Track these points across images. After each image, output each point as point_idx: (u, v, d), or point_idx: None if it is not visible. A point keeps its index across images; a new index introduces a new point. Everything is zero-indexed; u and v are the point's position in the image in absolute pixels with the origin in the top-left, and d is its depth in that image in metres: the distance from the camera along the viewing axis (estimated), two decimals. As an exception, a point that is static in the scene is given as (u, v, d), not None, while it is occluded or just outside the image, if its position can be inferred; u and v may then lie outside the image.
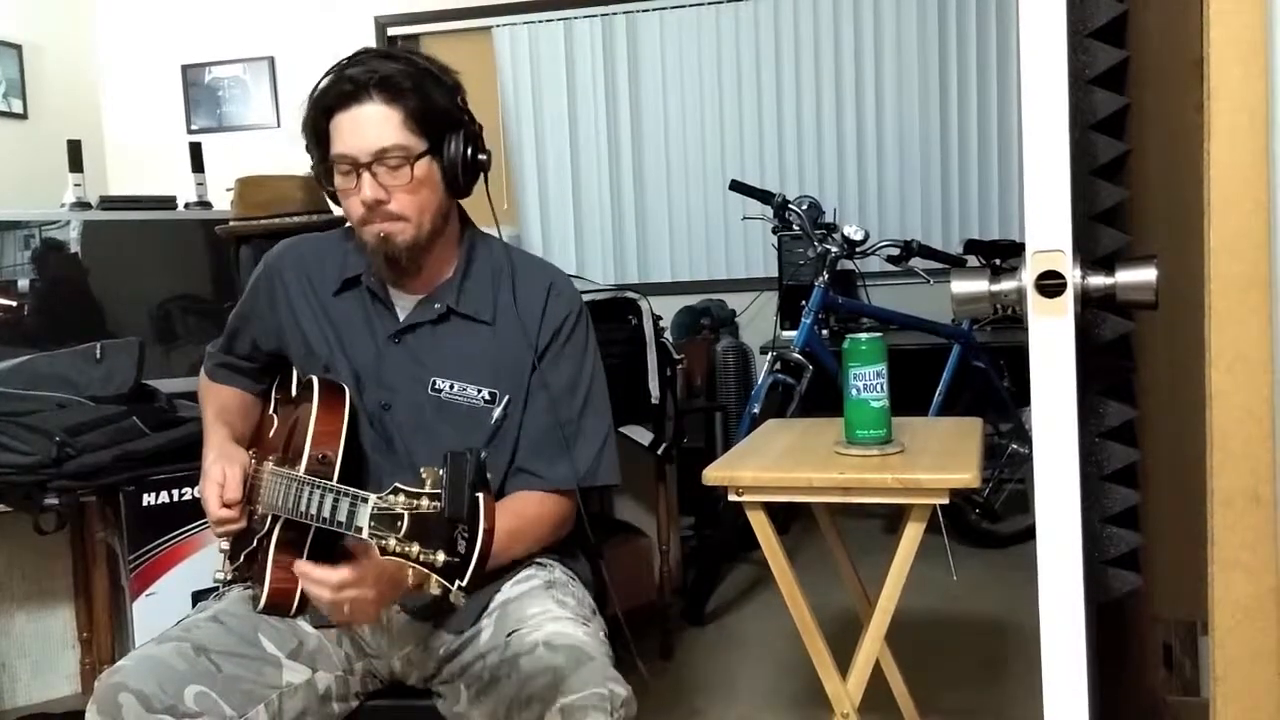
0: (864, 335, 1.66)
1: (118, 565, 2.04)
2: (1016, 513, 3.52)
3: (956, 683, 2.46)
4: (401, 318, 1.48)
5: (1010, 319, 3.54)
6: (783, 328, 3.55)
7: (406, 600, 1.38)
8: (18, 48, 4.40)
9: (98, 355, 2.19)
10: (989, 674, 2.53)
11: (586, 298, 2.56)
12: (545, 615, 1.34)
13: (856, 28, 4.38)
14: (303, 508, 1.24)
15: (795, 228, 3.16)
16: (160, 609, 1.96)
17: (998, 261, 3.60)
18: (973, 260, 3.63)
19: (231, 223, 2.60)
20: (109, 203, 2.86)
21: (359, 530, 1.10)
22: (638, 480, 2.87)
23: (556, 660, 1.25)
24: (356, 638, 1.45)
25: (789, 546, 1.67)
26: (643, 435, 2.60)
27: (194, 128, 4.83)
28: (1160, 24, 1.11)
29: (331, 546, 1.29)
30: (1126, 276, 0.95)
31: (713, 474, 1.63)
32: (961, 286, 1.01)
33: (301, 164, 1.56)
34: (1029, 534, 3.29)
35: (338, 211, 1.97)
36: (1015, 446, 3.45)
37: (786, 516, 3.26)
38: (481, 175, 1.46)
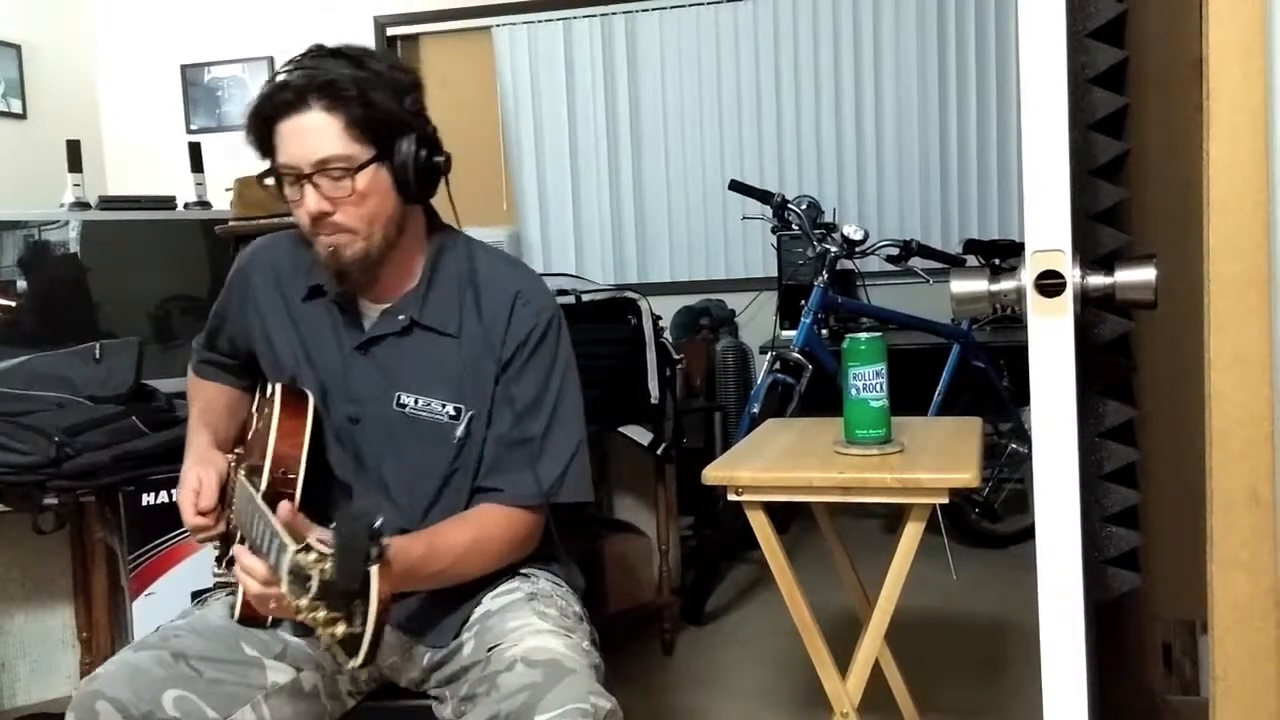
0: (863, 335, 1.66)
1: (117, 565, 2.04)
2: (1016, 512, 3.52)
3: (956, 682, 2.47)
4: (367, 328, 1.43)
5: (1009, 318, 3.55)
6: (782, 327, 3.55)
7: None
8: (17, 48, 4.40)
9: (97, 355, 2.19)
10: (988, 673, 2.53)
11: (586, 298, 2.58)
12: (525, 629, 1.31)
13: (856, 27, 4.38)
14: (253, 534, 1.23)
15: (794, 227, 3.16)
16: (160, 609, 1.96)
17: (997, 261, 3.60)
18: (972, 260, 3.64)
19: (231, 222, 2.60)
20: (108, 203, 2.85)
21: (280, 580, 1.07)
22: (637, 480, 2.87)
23: (534, 676, 1.21)
24: (327, 648, 1.44)
25: (788, 546, 1.67)
26: (642, 435, 2.60)
27: (193, 128, 4.83)
28: (1160, 24, 1.11)
29: None
30: (1126, 276, 0.96)
31: (712, 474, 1.63)
32: (961, 286, 1.01)
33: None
34: (1028, 533, 3.30)
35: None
36: (1015, 446, 3.45)
37: (786, 516, 3.26)
38: (442, 178, 1.39)
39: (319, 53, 1.34)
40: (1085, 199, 1.08)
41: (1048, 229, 0.92)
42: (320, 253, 1.36)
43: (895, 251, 3.16)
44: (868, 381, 1.63)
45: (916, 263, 3.16)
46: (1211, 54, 0.92)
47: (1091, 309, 1.05)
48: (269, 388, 1.48)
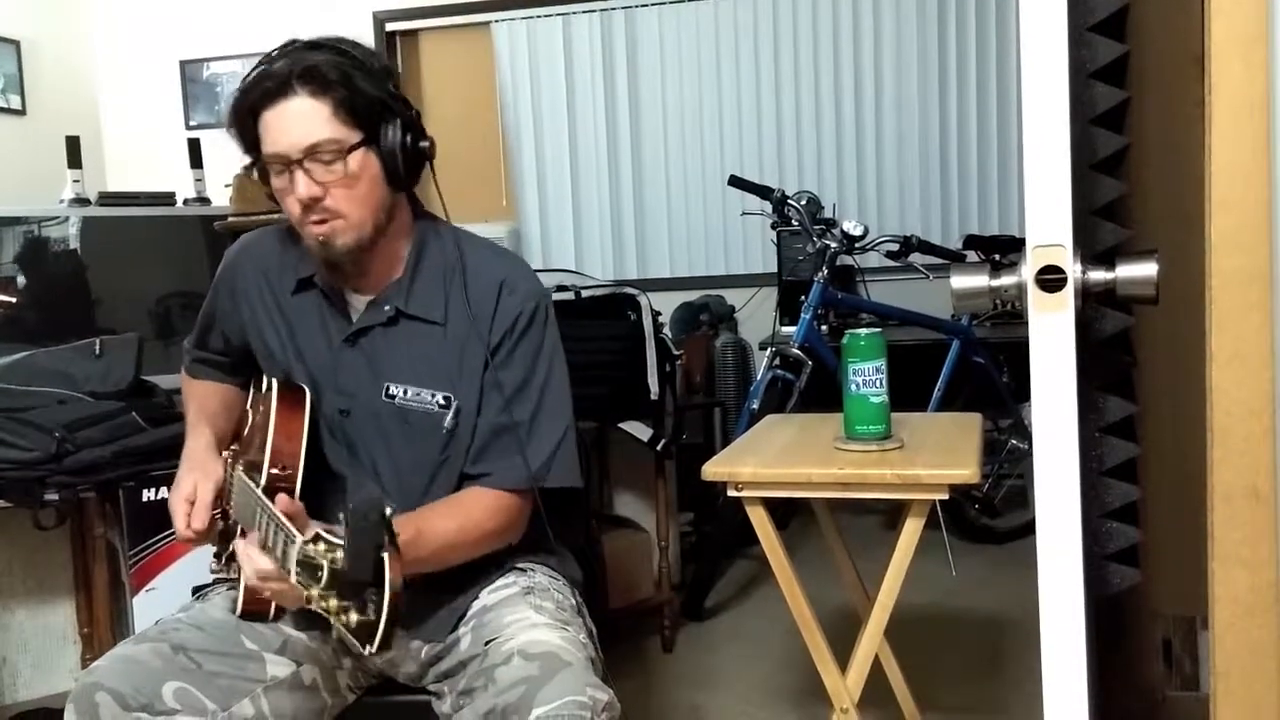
0: (863, 331, 1.66)
1: (118, 561, 2.04)
2: (1016, 508, 3.52)
3: (956, 678, 2.47)
4: (354, 320, 1.43)
5: (1010, 314, 3.55)
6: (782, 323, 3.55)
7: None
8: (16, 43, 4.40)
9: (97, 351, 2.19)
10: (988, 669, 2.53)
11: (585, 293, 2.58)
12: (522, 622, 1.31)
13: (856, 22, 4.37)
14: (254, 528, 1.23)
15: (794, 223, 3.16)
16: (160, 604, 1.96)
17: (997, 257, 3.59)
18: (972, 255, 3.63)
19: (230, 219, 2.60)
20: (108, 199, 2.85)
21: (288, 572, 1.08)
22: (637, 476, 2.87)
23: (531, 670, 1.21)
24: (339, 637, 1.44)
25: (788, 542, 1.66)
26: (642, 431, 2.60)
27: (192, 124, 4.82)
28: (1161, 18, 1.11)
29: None
30: (1127, 271, 0.95)
31: (712, 469, 1.63)
32: (961, 282, 1.01)
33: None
34: (1028, 529, 3.30)
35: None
36: (1015, 442, 3.45)
37: (785, 512, 3.25)
38: (427, 164, 1.39)
39: (295, 45, 1.35)
40: (1086, 194, 1.08)
41: (1048, 224, 0.91)
42: (311, 243, 1.36)
43: (895, 247, 3.15)
44: (867, 377, 1.63)
45: (916, 258, 3.16)
46: (1213, 48, 0.92)
47: (1092, 304, 1.05)
48: (264, 383, 1.48)
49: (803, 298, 3.07)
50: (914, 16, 4.33)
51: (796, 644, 1.73)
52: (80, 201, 2.79)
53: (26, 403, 2.01)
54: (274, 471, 1.32)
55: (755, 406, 2.90)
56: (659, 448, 2.63)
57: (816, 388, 2.92)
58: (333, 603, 1.00)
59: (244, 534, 1.35)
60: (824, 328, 3.28)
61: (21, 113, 4.41)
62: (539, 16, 4.56)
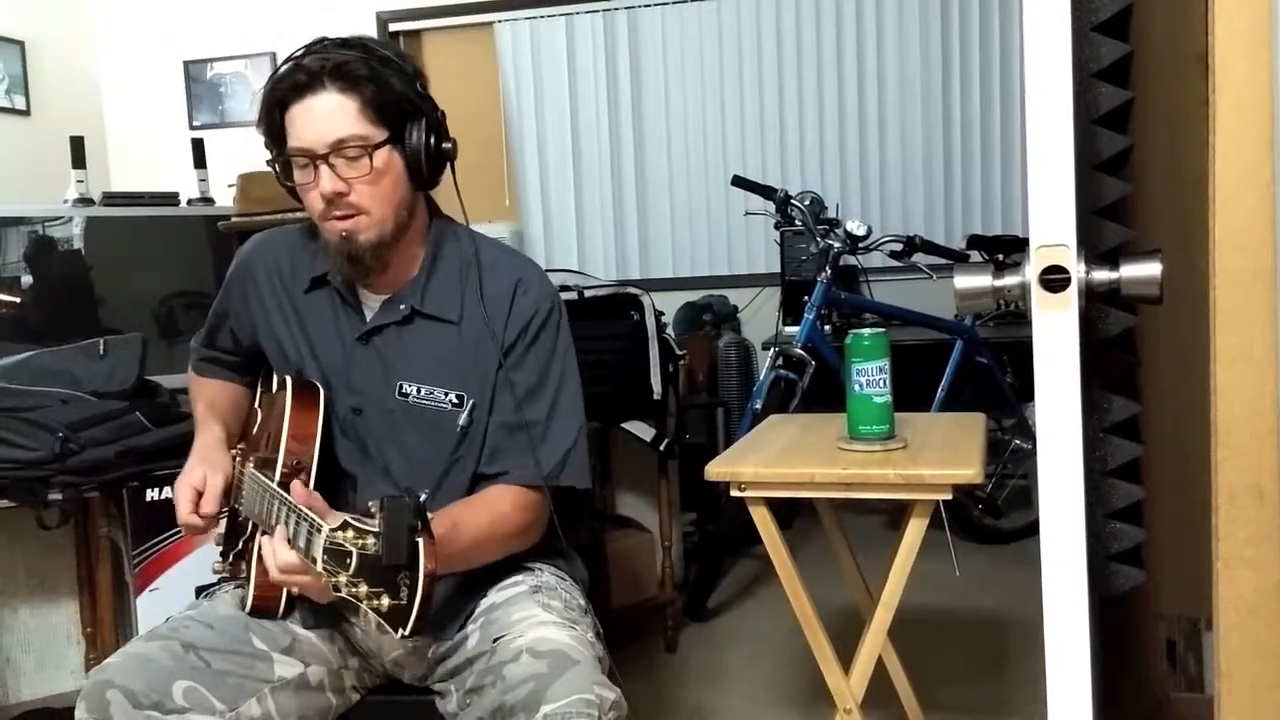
0: (866, 331, 1.66)
1: (121, 560, 2.05)
2: (1019, 508, 3.52)
3: (959, 678, 2.47)
4: (368, 318, 1.44)
5: (1013, 314, 3.53)
6: (785, 323, 3.55)
7: None
8: (20, 44, 4.40)
9: (101, 351, 2.19)
10: (992, 670, 2.53)
11: (588, 293, 2.58)
12: (530, 620, 1.31)
13: (859, 22, 4.37)
14: (272, 522, 1.24)
15: (797, 223, 3.16)
16: (164, 604, 1.96)
17: (1001, 257, 3.59)
18: (976, 255, 3.63)
19: (234, 218, 2.60)
20: (112, 199, 2.86)
21: (314, 560, 1.09)
22: (640, 476, 2.87)
23: (540, 667, 1.22)
24: (347, 637, 1.44)
25: (791, 542, 1.66)
26: (645, 431, 2.60)
27: (196, 123, 4.83)
28: (1164, 18, 1.11)
29: None
30: (1131, 271, 0.95)
31: (715, 469, 1.63)
32: (965, 282, 1.01)
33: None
34: (1032, 530, 3.30)
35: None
36: (1018, 442, 3.45)
37: (789, 512, 3.26)
38: (448, 165, 1.40)
39: (326, 42, 1.35)
40: (1090, 194, 1.08)
41: (1052, 224, 0.91)
42: (332, 239, 1.36)
43: (898, 247, 3.15)
44: (871, 377, 1.63)
45: (920, 258, 3.16)
46: (1217, 48, 0.92)
47: (1096, 304, 1.04)
48: (273, 382, 1.49)
49: (806, 298, 3.06)
50: (918, 15, 4.33)
51: (799, 644, 1.73)
52: (84, 201, 2.79)
53: (31, 402, 2.01)
54: (287, 469, 1.33)
55: (758, 406, 2.90)
56: (662, 448, 2.63)
57: (819, 388, 2.92)
58: (363, 589, 1.01)
59: (254, 532, 1.35)
60: (827, 328, 3.28)
61: (26, 113, 4.42)
62: (542, 17, 4.56)
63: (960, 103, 4.34)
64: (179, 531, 2.00)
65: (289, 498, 1.20)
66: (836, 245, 3.04)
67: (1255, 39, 0.91)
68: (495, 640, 1.30)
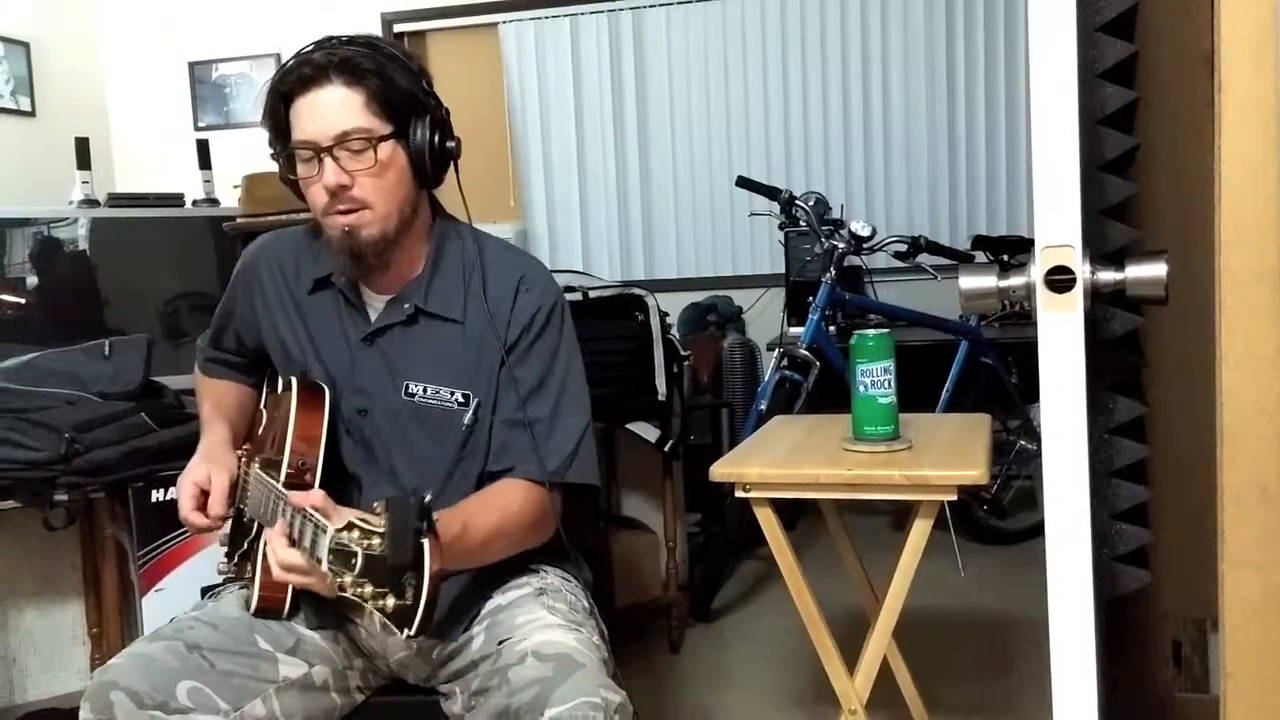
0: (871, 331, 1.66)
1: (127, 561, 2.05)
2: (1024, 509, 3.52)
3: (964, 679, 2.46)
4: (373, 319, 1.44)
5: (1018, 315, 3.54)
6: (789, 324, 3.54)
7: None
8: (25, 45, 4.42)
9: (106, 352, 2.19)
10: (997, 671, 2.52)
11: (593, 294, 2.58)
12: (535, 623, 1.31)
13: (864, 22, 4.37)
14: (280, 522, 1.23)
15: (802, 224, 3.15)
16: (169, 604, 1.96)
17: (1006, 257, 3.59)
18: (981, 256, 3.62)
19: (239, 219, 2.61)
20: (117, 200, 2.87)
21: (319, 561, 1.09)
22: (644, 477, 2.87)
23: (545, 670, 1.22)
24: (352, 638, 1.45)
25: (795, 543, 1.66)
26: (649, 432, 2.60)
27: (201, 125, 4.84)
28: (1169, 18, 1.11)
29: None
30: (1136, 271, 0.95)
31: (719, 470, 1.62)
32: (970, 282, 1.01)
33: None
34: (1037, 531, 3.29)
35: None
36: (1023, 443, 3.44)
37: (793, 513, 3.26)
38: (452, 164, 1.41)
39: (333, 39, 1.35)
40: (1095, 194, 1.08)
41: (1057, 224, 0.91)
42: (335, 235, 1.36)
43: (903, 248, 3.15)
44: (876, 378, 1.63)
45: (924, 259, 3.15)
46: (1222, 47, 0.92)
47: (1101, 305, 1.04)
48: (278, 384, 1.49)
49: (810, 298, 3.06)
50: (922, 17, 4.32)
51: (804, 645, 1.73)
52: (89, 203, 2.80)
53: (36, 403, 2.02)
54: (293, 470, 1.33)
55: (763, 407, 2.90)
56: (666, 448, 2.63)
57: (824, 388, 2.92)
58: (368, 589, 1.01)
59: (259, 532, 1.36)
60: (832, 328, 3.28)
61: (31, 114, 4.43)
62: (547, 17, 4.56)
63: (965, 103, 4.33)
64: (184, 532, 2.01)
65: (295, 500, 1.20)
66: (841, 246, 3.03)
67: (1261, 39, 0.91)
68: (500, 643, 1.30)
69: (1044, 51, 0.90)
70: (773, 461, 1.65)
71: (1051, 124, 0.91)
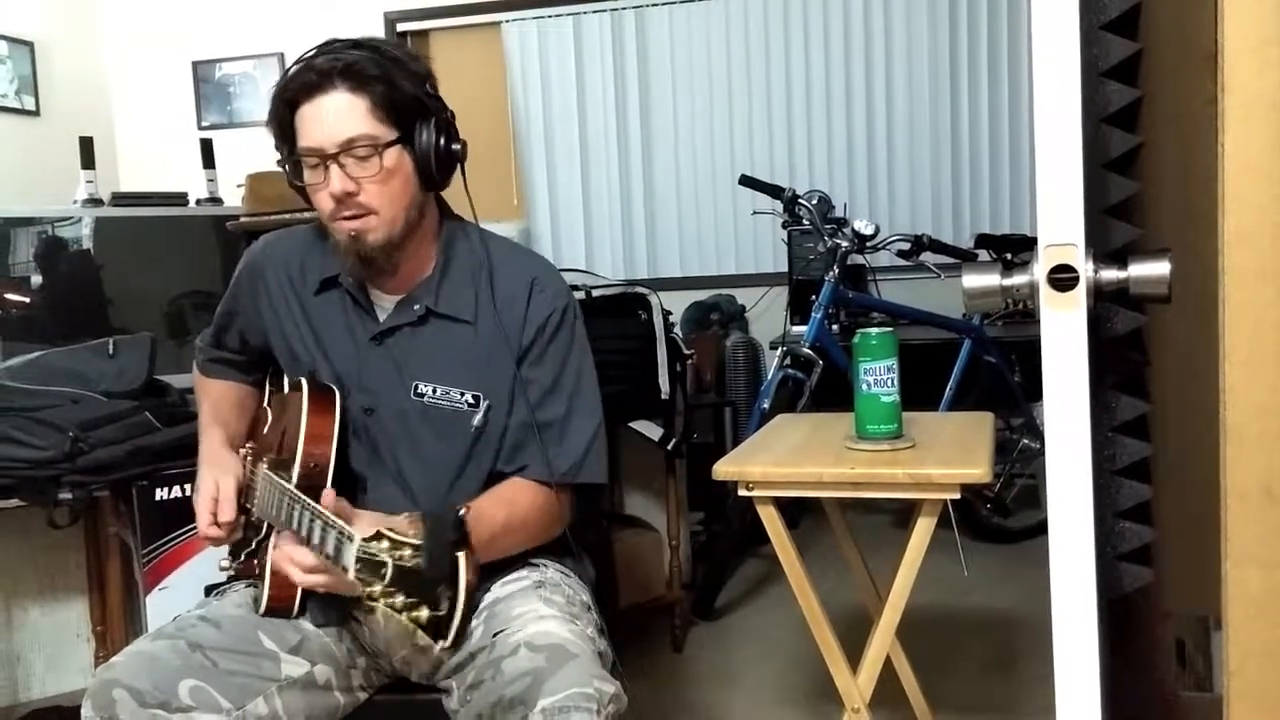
0: (874, 330, 1.66)
1: (131, 559, 2.05)
2: (1028, 508, 3.52)
3: (967, 678, 2.46)
4: (381, 319, 1.44)
5: (1021, 313, 3.54)
6: (793, 323, 3.55)
7: None
8: (29, 45, 4.42)
9: (110, 351, 2.20)
10: (1000, 669, 2.52)
11: (596, 293, 2.58)
12: (530, 615, 1.31)
13: (867, 21, 4.36)
14: (293, 526, 1.24)
15: (805, 222, 3.16)
16: (173, 603, 1.97)
17: (1009, 256, 3.58)
18: (984, 254, 3.62)
19: (243, 219, 2.61)
20: (121, 199, 2.87)
21: (345, 569, 1.09)
22: (647, 475, 2.87)
23: (538, 661, 1.22)
24: (356, 636, 1.45)
25: (799, 541, 1.66)
26: (652, 430, 2.60)
27: (205, 124, 4.85)
28: (1173, 16, 1.11)
29: None
30: (1140, 270, 0.95)
31: (722, 469, 1.63)
32: (973, 281, 1.01)
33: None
34: (1040, 529, 3.29)
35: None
36: (1026, 441, 3.44)
37: (796, 511, 3.26)
38: (458, 167, 1.41)
39: (337, 43, 1.35)
40: (1098, 193, 1.08)
41: (1060, 223, 0.91)
42: (341, 239, 1.36)
43: (906, 246, 3.15)
44: (879, 376, 1.63)
45: (928, 257, 3.15)
46: (1226, 46, 0.92)
47: (1104, 303, 1.04)
48: (282, 382, 1.49)
49: (814, 297, 3.06)
50: (925, 15, 4.32)
51: (807, 643, 1.73)
52: (93, 202, 2.80)
53: (40, 402, 2.02)
54: (306, 470, 1.33)
55: (766, 406, 2.90)
56: (670, 447, 2.63)
57: (827, 387, 2.92)
58: (399, 599, 1.01)
59: (269, 532, 1.36)
60: (835, 327, 3.28)
61: (35, 114, 4.44)
62: (549, 16, 4.56)
63: (968, 101, 4.33)
64: (188, 531, 2.02)
65: (312, 503, 1.20)
66: (844, 244, 3.03)
67: (1264, 36, 0.91)
68: (495, 635, 1.31)
69: (1047, 49, 0.90)
70: (776, 460, 1.65)
71: (1054, 122, 0.91)
